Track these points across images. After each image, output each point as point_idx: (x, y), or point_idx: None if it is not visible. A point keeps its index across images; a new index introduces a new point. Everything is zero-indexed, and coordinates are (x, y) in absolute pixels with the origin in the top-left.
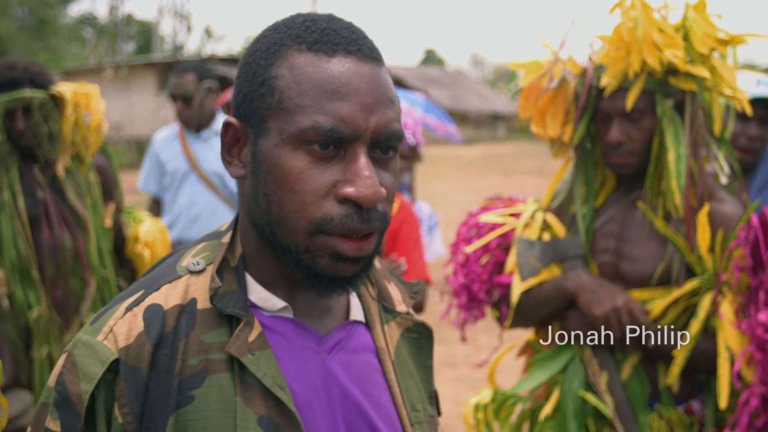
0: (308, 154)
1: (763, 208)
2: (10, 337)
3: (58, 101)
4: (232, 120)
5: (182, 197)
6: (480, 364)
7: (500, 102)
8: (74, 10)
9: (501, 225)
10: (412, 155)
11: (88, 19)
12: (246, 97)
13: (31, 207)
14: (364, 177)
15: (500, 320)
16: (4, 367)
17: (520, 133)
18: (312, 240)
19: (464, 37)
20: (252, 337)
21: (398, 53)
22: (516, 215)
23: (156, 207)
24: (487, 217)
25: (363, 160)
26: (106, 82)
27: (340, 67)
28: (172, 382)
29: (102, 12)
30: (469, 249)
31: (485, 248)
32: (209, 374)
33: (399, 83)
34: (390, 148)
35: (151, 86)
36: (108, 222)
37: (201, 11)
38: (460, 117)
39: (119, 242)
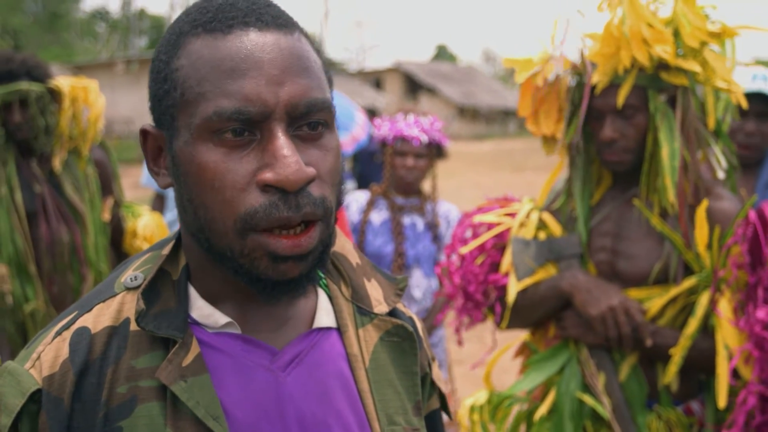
0: (221, 146)
1: (760, 204)
2: (8, 333)
3: (55, 95)
4: (147, 127)
5: None
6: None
7: (512, 98)
8: (87, 5)
9: (497, 225)
10: (428, 153)
11: (101, 14)
12: (155, 98)
13: (29, 201)
14: (282, 157)
15: (496, 321)
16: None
17: None
18: (243, 241)
19: (476, 33)
20: (187, 360)
21: (410, 49)
22: (512, 215)
23: (159, 202)
24: (482, 218)
25: (281, 140)
26: (118, 77)
27: (237, 42)
28: (98, 412)
29: (114, 7)
30: (464, 250)
31: (481, 248)
32: (139, 403)
33: (411, 79)
34: (317, 122)
35: None
36: (106, 216)
37: None
38: (471, 113)
39: (118, 236)
